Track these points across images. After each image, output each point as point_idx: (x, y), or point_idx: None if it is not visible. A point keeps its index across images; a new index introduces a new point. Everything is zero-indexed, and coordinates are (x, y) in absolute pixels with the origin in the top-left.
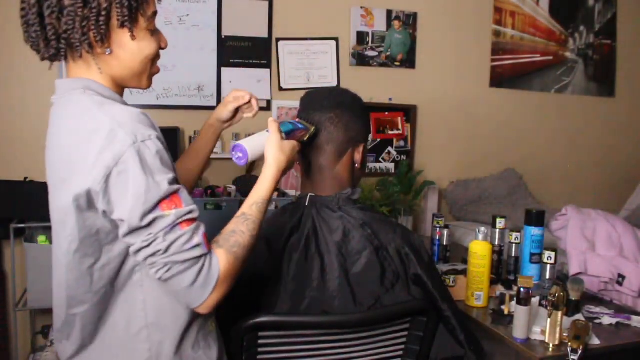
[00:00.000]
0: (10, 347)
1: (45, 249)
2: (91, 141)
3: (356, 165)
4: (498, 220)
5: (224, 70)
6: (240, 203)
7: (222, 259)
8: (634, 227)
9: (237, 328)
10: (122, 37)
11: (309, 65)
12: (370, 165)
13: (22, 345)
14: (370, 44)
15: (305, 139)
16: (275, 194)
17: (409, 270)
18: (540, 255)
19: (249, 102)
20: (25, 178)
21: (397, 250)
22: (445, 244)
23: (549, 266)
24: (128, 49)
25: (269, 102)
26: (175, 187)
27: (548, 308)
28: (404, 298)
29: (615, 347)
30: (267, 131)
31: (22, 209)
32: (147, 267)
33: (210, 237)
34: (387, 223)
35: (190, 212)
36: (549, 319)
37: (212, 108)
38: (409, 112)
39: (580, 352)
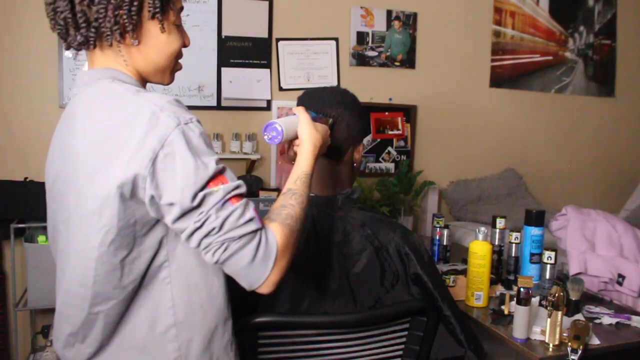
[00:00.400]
0: (10, 347)
1: (45, 249)
2: (131, 126)
3: (355, 164)
4: (498, 220)
5: (224, 70)
6: None
7: (277, 232)
8: (633, 227)
9: (238, 328)
10: (151, 29)
11: (309, 65)
12: (370, 165)
13: (22, 345)
14: (370, 44)
15: None
16: (275, 194)
17: (408, 270)
18: (540, 255)
19: None
20: (25, 178)
21: (397, 250)
22: (445, 244)
23: (548, 266)
24: (156, 41)
25: (269, 102)
26: (221, 166)
27: (548, 308)
28: (404, 298)
29: (615, 347)
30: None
31: (22, 209)
32: (202, 253)
33: None
34: (387, 223)
35: (237, 187)
36: (548, 319)
37: (212, 108)
38: (409, 112)
39: (580, 352)
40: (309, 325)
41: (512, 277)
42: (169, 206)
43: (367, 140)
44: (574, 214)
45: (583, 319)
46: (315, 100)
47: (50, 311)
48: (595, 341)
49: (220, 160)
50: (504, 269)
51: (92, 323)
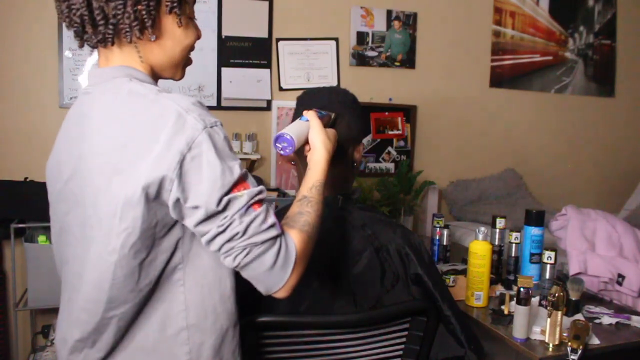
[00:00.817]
0: (10, 347)
1: (45, 249)
2: (157, 127)
3: (355, 164)
4: (498, 220)
5: (224, 70)
6: None
7: (296, 238)
8: (633, 227)
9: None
10: (168, 24)
11: (309, 65)
12: (370, 165)
13: (22, 345)
14: (370, 44)
15: (329, 125)
16: (275, 194)
17: (409, 270)
18: (540, 255)
19: None
20: (26, 178)
21: (398, 250)
22: (445, 244)
23: (548, 266)
24: (173, 36)
25: (269, 102)
26: (244, 170)
27: (548, 308)
28: (404, 298)
29: (615, 347)
30: (301, 119)
31: (22, 209)
32: (222, 257)
33: None
34: (387, 223)
35: (260, 192)
36: (548, 319)
37: (212, 108)
38: (409, 112)
39: (580, 351)
40: (309, 325)
41: (512, 277)
42: (193, 209)
43: (367, 140)
44: (573, 214)
45: (583, 318)
46: (315, 101)
47: (50, 311)
48: (595, 341)
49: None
50: (504, 269)
51: (104, 328)
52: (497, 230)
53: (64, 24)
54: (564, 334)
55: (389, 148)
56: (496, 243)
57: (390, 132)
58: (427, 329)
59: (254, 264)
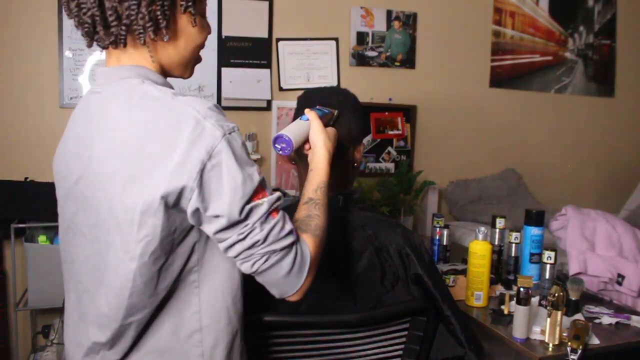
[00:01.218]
0: (10, 346)
1: (45, 249)
2: (174, 134)
3: (355, 164)
4: (498, 220)
5: (224, 70)
6: None
7: (310, 243)
8: (633, 227)
9: None
10: (182, 23)
11: (309, 65)
12: (370, 165)
13: (22, 345)
14: (370, 44)
15: (330, 123)
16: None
17: (409, 270)
18: (540, 255)
19: None
20: (26, 178)
21: (398, 251)
22: (445, 244)
23: (548, 266)
24: (186, 35)
25: (269, 102)
26: (262, 177)
27: (548, 308)
28: (404, 298)
29: (615, 346)
30: (301, 119)
31: (23, 209)
32: (239, 262)
33: None
34: (388, 223)
35: (278, 198)
36: (548, 319)
37: None
38: (409, 112)
39: (579, 351)
40: (309, 325)
41: (512, 277)
42: (214, 218)
43: (367, 140)
44: (573, 214)
45: (583, 318)
46: (315, 101)
47: (51, 311)
48: (594, 341)
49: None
50: (503, 269)
51: (123, 333)
52: (497, 230)
53: (74, 23)
54: (564, 334)
55: (389, 148)
56: (496, 243)
57: (390, 132)
58: (427, 329)
59: (272, 270)
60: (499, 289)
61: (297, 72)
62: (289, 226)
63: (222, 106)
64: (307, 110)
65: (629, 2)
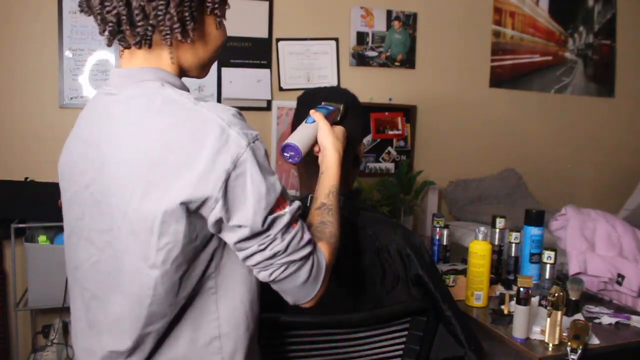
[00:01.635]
0: (10, 346)
1: (45, 249)
2: (199, 141)
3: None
4: (498, 220)
5: (224, 70)
6: None
7: (325, 251)
8: (633, 227)
9: None
10: (207, 25)
11: (309, 65)
12: (370, 165)
13: (22, 345)
14: (370, 44)
15: (338, 119)
16: None
17: (409, 270)
18: (540, 255)
19: None
20: (26, 178)
21: (398, 251)
22: (445, 244)
23: (548, 266)
24: (209, 37)
25: (269, 102)
26: (283, 185)
27: (548, 308)
28: (404, 299)
29: (615, 346)
30: (306, 122)
31: (23, 209)
32: (256, 270)
33: None
34: (388, 224)
35: (299, 208)
36: (548, 319)
37: None
38: (409, 112)
39: (579, 351)
40: (309, 325)
41: (511, 277)
42: (237, 227)
43: (367, 140)
44: (573, 214)
45: (583, 318)
46: (315, 101)
47: (51, 311)
48: (594, 341)
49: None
50: (503, 268)
51: (143, 342)
52: (497, 230)
53: (96, 22)
54: (564, 334)
55: (389, 148)
56: (496, 243)
57: (390, 132)
58: (427, 329)
59: (289, 279)
60: (499, 289)
61: (297, 72)
62: (307, 236)
63: None
64: (312, 112)
65: (629, 2)
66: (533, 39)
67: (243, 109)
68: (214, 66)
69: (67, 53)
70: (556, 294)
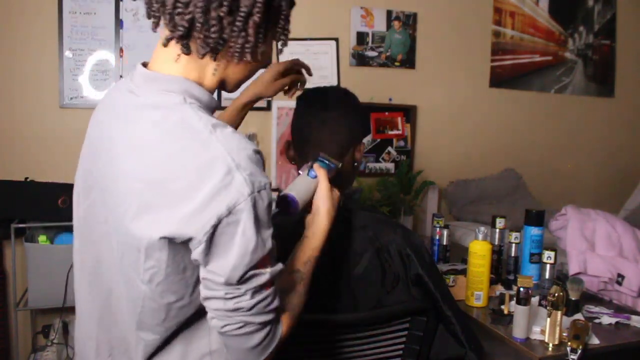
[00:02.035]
0: (10, 346)
1: (45, 249)
2: (202, 177)
3: (356, 164)
4: (498, 220)
5: None
6: None
7: (285, 324)
8: (633, 227)
9: None
10: (267, 47)
11: (309, 65)
12: (370, 165)
13: (22, 345)
14: (370, 44)
15: (332, 175)
16: (276, 194)
17: (410, 271)
18: (540, 255)
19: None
20: (26, 178)
21: (399, 251)
22: (445, 244)
23: (548, 266)
24: (263, 58)
25: (269, 102)
26: (274, 242)
27: (548, 308)
28: (404, 299)
29: (615, 346)
30: (309, 175)
31: (23, 209)
32: (210, 315)
33: None
34: (388, 224)
35: (280, 271)
36: (548, 319)
37: None
38: (409, 112)
39: (579, 351)
40: (309, 325)
41: (511, 277)
42: (211, 273)
43: (367, 140)
44: (573, 214)
45: (582, 318)
46: (316, 101)
47: (51, 311)
48: (594, 341)
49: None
50: (503, 268)
51: (135, 345)
52: (497, 230)
53: (161, 23)
54: (564, 334)
55: (389, 148)
56: (496, 243)
57: (390, 132)
58: (427, 329)
59: (240, 338)
60: (499, 289)
61: None
62: (275, 303)
63: (223, 106)
64: (316, 167)
65: (629, 2)
66: (533, 39)
67: None
68: None
69: (67, 53)
70: (556, 294)
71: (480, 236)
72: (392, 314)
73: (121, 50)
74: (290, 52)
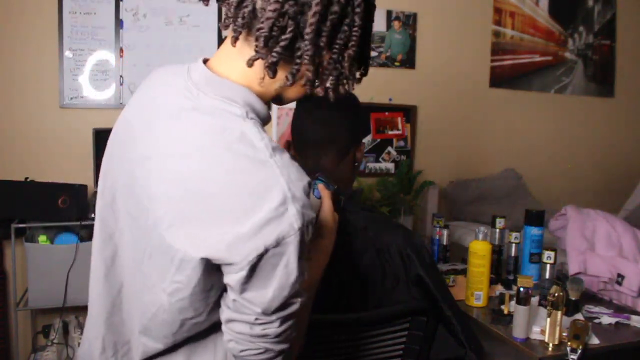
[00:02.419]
0: (10, 346)
1: (45, 249)
2: (256, 201)
3: (356, 164)
4: (498, 220)
5: None
6: None
7: (294, 351)
8: (633, 227)
9: None
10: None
11: None
12: (370, 165)
13: (22, 345)
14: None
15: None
16: None
17: (410, 271)
18: (540, 255)
19: None
20: (26, 178)
21: (399, 252)
22: (445, 244)
23: (548, 266)
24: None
25: (269, 102)
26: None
27: (547, 308)
28: (405, 299)
29: (615, 346)
30: (314, 195)
31: (23, 209)
32: (228, 337)
33: None
34: (389, 224)
35: (308, 301)
36: (548, 319)
37: None
38: (409, 112)
39: (579, 351)
40: (309, 324)
41: (511, 277)
42: (246, 300)
43: (367, 140)
44: (573, 214)
45: (582, 318)
46: (315, 101)
47: (51, 311)
48: (594, 341)
49: None
50: (503, 268)
51: (135, 348)
52: (497, 230)
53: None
54: (564, 334)
55: (389, 148)
56: (496, 243)
57: (390, 132)
58: (427, 329)
59: None
60: (499, 288)
61: None
62: (295, 333)
63: None
64: (321, 187)
65: (629, 2)
66: (533, 39)
67: None
68: None
69: (67, 53)
70: (556, 294)
71: (480, 236)
72: (392, 314)
73: (121, 50)
74: None
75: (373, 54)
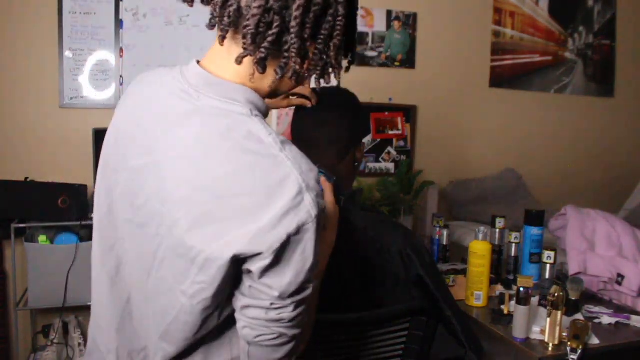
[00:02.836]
0: (10, 347)
1: (45, 249)
2: (273, 195)
3: (356, 164)
4: (498, 220)
5: None
6: None
7: (306, 337)
8: (633, 227)
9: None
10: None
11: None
12: (370, 165)
13: (22, 345)
14: (370, 44)
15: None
16: None
17: (410, 271)
18: (540, 255)
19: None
20: (26, 178)
21: (399, 252)
22: (445, 244)
23: (548, 266)
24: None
25: None
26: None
27: (547, 308)
28: (405, 299)
29: (615, 346)
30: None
31: (23, 209)
32: (242, 324)
33: None
34: (389, 224)
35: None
36: (548, 319)
37: None
38: (409, 112)
39: (579, 351)
40: None
41: (511, 277)
42: (263, 285)
43: (367, 140)
44: (573, 213)
45: (582, 318)
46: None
47: (51, 311)
48: (594, 341)
49: None
50: (503, 268)
51: (153, 355)
52: (497, 230)
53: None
54: (564, 334)
55: (389, 148)
56: (496, 243)
57: (390, 132)
58: (427, 329)
59: (270, 350)
60: (499, 288)
61: None
62: (306, 318)
63: None
64: (323, 180)
65: (629, 2)
66: (533, 39)
67: None
68: None
69: (67, 53)
70: (556, 294)
71: (480, 236)
72: (392, 314)
73: (121, 50)
74: None
75: (373, 54)
